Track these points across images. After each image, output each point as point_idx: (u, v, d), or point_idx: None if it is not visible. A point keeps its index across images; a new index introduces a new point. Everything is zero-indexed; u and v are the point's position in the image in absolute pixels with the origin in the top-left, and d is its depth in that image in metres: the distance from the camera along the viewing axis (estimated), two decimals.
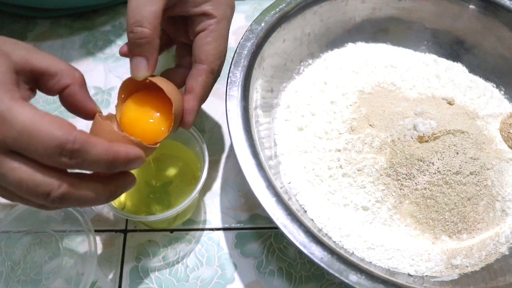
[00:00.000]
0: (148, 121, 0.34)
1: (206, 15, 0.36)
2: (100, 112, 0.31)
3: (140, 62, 0.33)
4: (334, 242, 0.37)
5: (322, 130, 0.42)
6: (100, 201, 0.29)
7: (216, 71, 0.37)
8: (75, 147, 0.25)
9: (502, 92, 0.49)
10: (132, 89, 0.34)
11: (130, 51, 0.33)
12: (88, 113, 0.31)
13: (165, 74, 0.39)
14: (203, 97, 0.36)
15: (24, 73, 0.28)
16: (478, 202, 0.39)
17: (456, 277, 0.37)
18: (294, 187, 0.40)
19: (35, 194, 0.26)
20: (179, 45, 0.41)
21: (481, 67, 0.49)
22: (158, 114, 0.34)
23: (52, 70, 0.29)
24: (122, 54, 0.35)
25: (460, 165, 0.39)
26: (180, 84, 0.37)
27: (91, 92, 0.52)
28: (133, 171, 0.43)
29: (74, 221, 0.38)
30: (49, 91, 0.30)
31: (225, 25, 0.37)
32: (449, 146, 0.40)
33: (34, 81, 0.29)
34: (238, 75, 0.39)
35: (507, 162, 0.42)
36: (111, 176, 0.29)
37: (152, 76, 0.34)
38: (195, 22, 0.36)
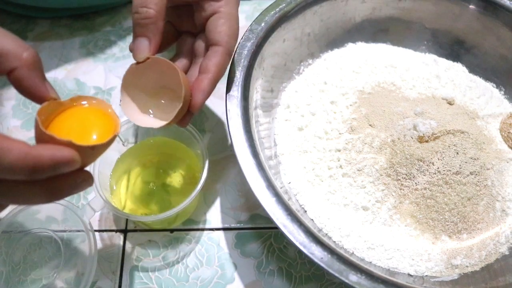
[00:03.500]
0: (83, 120, 0.30)
1: None
2: (57, 98, 0.28)
3: (142, 42, 0.33)
4: (334, 242, 0.37)
5: (322, 130, 0.42)
6: (39, 202, 0.25)
7: (232, 51, 0.36)
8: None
9: (502, 92, 0.49)
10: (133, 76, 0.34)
11: (134, 33, 0.33)
12: (38, 99, 0.27)
13: None
14: (217, 78, 0.35)
15: None
16: (478, 202, 0.39)
17: (456, 277, 0.37)
18: (294, 187, 0.40)
19: None
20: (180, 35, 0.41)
21: (481, 67, 0.49)
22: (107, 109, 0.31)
23: None
24: (131, 50, 0.35)
25: (460, 165, 0.39)
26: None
27: (91, 92, 0.52)
28: (133, 171, 0.43)
29: (74, 221, 0.38)
30: None
31: (235, 6, 0.37)
32: (449, 146, 0.40)
33: None
34: (238, 75, 0.39)
35: (507, 162, 0.42)
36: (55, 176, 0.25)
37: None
38: (203, 7, 0.36)
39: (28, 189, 0.24)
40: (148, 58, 0.33)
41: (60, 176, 0.25)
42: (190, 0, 0.37)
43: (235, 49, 0.37)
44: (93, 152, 0.28)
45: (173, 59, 0.39)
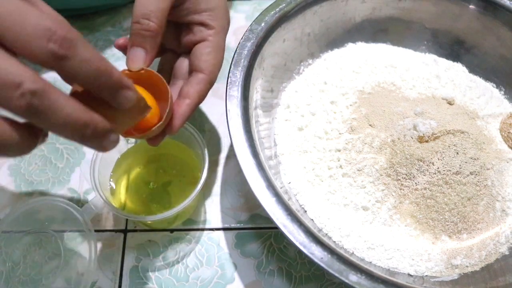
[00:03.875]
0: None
1: (204, 25, 0.36)
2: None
3: (139, 53, 0.33)
4: (334, 242, 0.37)
5: (322, 130, 0.42)
6: (72, 126, 0.23)
7: (214, 81, 0.37)
8: (68, 36, 0.22)
9: (502, 92, 0.49)
10: None
11: (131, 41, 0.33)
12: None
13: None
14: (197, 105, 0.36)
15: None
16: (478, 202, 0.40)
17: (456, 277, 0.37)
18: (294, 187, 0.40)
19: (3, 82, 0.21)
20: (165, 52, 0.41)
21: (481, 67, 0.49)
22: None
23: None
24: (118, 46, 0.35)
25: (460, 165, 0.39)
26: None
27: None
28: (133, 171, 0.43)
29: (74, 221, 0.38)
30: None
31: (223, 37, 0.37)
32: (449, 146, 0.40)
33: None
34: (238, 75, 0.39)
35: (507, 162, 0.42)
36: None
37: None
38: (192, 30, 0.37)
39: (72, 106, 0.23)
40: (142, 69, 0.33)
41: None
42: (180, 21, 0.37)
43: (217, 76, 0.37)
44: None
45: None
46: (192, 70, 0.36)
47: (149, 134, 0.33)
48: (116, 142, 0.26)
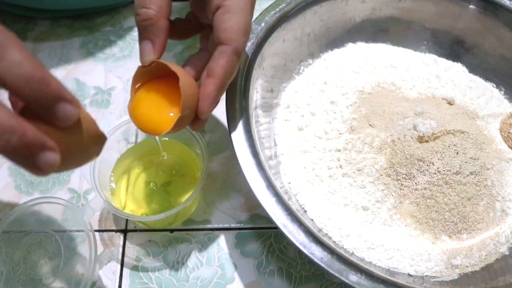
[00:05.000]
0: (154, 110, 0.32)
1: None
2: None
3: (146, 45, 0.31)
4: (334, 242, 0.37)
5: (322, 130, 0.42)
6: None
7: (241, 51, 0.32)
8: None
9: (502, 92, 0.49)
10: (143, 79, 0.33)
11: (139, 37, 0.32)
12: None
13: (187, 61, 0.36)
14: (224, 82, 0.32)
15: None
16: (478, 202, 0.40)
17: (456, 277, 0.37)
18: (294, 187, 0.40)
19: None
20: (204, 27, 0.38)
21: (481, 67, 0.49)
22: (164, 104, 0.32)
23: None
24: None
25: (460, 165, 0.39)
26: (202, 70, 0.33)
27: (91, 92, 0.52)
28: (133, 171, 0.43)
29: (74, 221, 0.38)
30: None
31: None
32: (449, 146, 0.40)
33: None
34: (238, 75, 0.39)
35: (507, 162, 0.42)
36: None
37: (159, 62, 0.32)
38: (208, 2, 0.33)
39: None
40: (153, 62, 0.32)
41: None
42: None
43: (246, 45, 0.33)
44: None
45: (195, 56, 0.37)
46: (215, 44, 0.32)
47: (175, 130, 0.31)
48: (55, 164, 0.22)
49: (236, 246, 0.42)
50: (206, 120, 0.33)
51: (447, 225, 0.39)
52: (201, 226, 0.43)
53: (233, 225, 0.44)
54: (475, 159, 0.40)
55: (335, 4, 0.47)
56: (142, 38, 0.32)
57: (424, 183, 0.39)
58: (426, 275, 0.37)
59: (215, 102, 0.32)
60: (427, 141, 0.40)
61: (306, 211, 0.39)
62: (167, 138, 0.44)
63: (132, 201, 0.42)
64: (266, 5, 0.44)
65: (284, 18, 0.44)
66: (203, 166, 0.39)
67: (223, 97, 0.38)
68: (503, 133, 0.44)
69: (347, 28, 0.50)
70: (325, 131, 0.42)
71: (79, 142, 0.25)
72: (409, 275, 0.37)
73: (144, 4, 0.31)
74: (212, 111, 0.32)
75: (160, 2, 0.31)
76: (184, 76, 0.31)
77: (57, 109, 0.22)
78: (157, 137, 0.40)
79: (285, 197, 0.35)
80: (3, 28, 0.21)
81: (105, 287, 0.40)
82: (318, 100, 0.45)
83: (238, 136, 0.36)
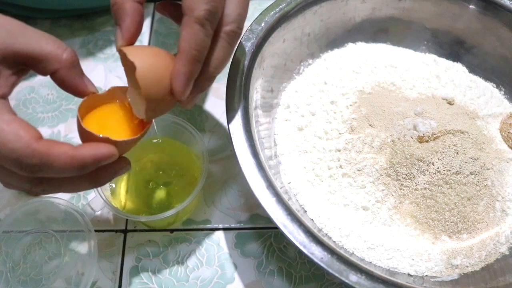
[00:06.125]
0: (119, 114, 0.31)
1: None
2: (95, 91, 0.30)
3: (116, 32, 0.30)
4: (334, 242, 0.37)
5: (322, 130, 0.42)
6: (85, 189, 0.29)
7: (203, 19, 0.28)
8: (33, 162, 0.25)
9: (502, 92, 0.49)
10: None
11: None
12: (79, 94, 0.30)
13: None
14: (191, 55, 0.28)
15: (5, 59, 0.26)
16: (478, 202, 0.40)
17: (456, 277, 0.37)
18: (294, 187, 0.40)
19: (19, 189, 0.28)
20: None
21: (481, 67, 0.49)
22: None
23: (36, 55, 0.27)
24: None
25: (460, 165, 0.39)
26: None
27: None
28: (133, 171, 0.43)
29: (74, 221, 0.38)
30: (39, 73, 0.29)
31: None
32: (449, 146, 0.40)
33: (21, 63, 0.27)
34: (238, 75, 0.39)
35: (507, 162, 0.42)
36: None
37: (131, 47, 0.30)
38: None
39: (76, 181, 0.28)
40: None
41: (102, 167, 0.28)
42: None
43: (215, 15, 0.29)
44: (130, 144, 0.30)
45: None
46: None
47: (148, 116, 0.30)
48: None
49: (236, 246, 0.42)
50: (195, 97, 0.31)
51: (447, 225, 0.39)
52: (201, 226, 0.43)
53: (233, 225, 0.44)
54: (475, 159, 0.40)
55: (335, 4, 0.47)
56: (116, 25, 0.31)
57: (424, 183, 0.39)
58: (426, 275, 0.37)
59: (188, 79, 0.29)
60: (427, 141, 0.40)
61: (306, 211, 0.39)
62: (166, 138, 0.44)
63: (132, 201, 0.42)
64: (266, 5, 0.44)
65: (284, 18, 0.44)
66: (203, 166, 0.39)
67: (223, 97, 0.38)
68: (503, 133, 0.44)
69: (347, 28, 0.50)
70: (325, 131, 0.42)
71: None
72: (409, 275, 0.37)
73: None
74: (188, 89, 0.29)
75: None
76: (144, 63, 0.28)
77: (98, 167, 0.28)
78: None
79: (285, 197, 0.35)
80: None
81: (105, 287, 0.40)
82: (318, 100, 0.45)
83: (238, 136, 0.36)
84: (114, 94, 0.32)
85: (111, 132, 0.29)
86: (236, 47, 0.35)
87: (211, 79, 0.31)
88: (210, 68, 0.30)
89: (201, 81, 0.30)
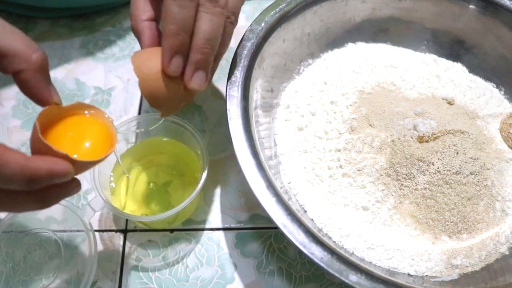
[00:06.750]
0: (81, 131, 0.29)
1: None
2: (59, 102, 0.28)
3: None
4: (334, 242, 0.37)
5: (322, 130, 0.42)
6: (32, 209, 0.26)
7: None
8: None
9: (502, 92, 0.49)
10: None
11: None
12: (41, 102, 0.27)
13: None
14: (169, 30, 0.29)
15: None
16: (478, 202, 0.40)
17: (456, 277, 0.37)
18: (294, 187, 0.40)
19: None
20: None
21: (481, 67, 0.49)
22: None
23: (3, 50, 0.25)
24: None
25: (460, 165, 0.39)
26: None
27: (91, 92, 0.52)
28: (133, 171, 0.43)
29: (74, 221, 0.38)
30: (2, 71, 0.26)
31: None
32: (449, 146, 0.40)
33: None
34: (238, 75, 0.39)
35: (507, 162, 0.42)
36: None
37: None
38: None
39: (23, 197, 0.25)
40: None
41: (54, 185, 0.26)
42: None
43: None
44: (87, 166, 0.28)
45: None
46: None
47: (170, 112, 0.31)
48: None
49: (236, 246, 0.42)
50: (196, 75, 0.31)
51: (447, 225, 0.39)
52: (201, 226, 0.43)
53: (233, 225, 0.44)
54: (475, 159, 0.40)
55: (335, 4, 0.47)
56: None
57: (424, 183, 0.39)
58: (426, 275, 0.37)
59: (170, 53, 0.30)
60: (427, 141, 0.40)
61: (306, 211, 0.39)
62: (133, 143, 0.44)
63: (132, 201, 0.42)
64: (266, 5, 0.44)
65: (284, 18, 0.44)
66: (203, 166, 0.39)
67: (223, 97, 0.38)
68: (503, 133, 0.44)
69: (347, 28, 0.50)
70: (325, 131, 0.42)
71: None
72: (409, 275, 0.37)
73: (130, 16, 0.33)
74: (175, 62, 0.30)
75: (142, 6, 0.32)
76: (140, 61, 0.30)
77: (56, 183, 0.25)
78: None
79: (285, 197, 0.35)
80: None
81: (105, 287, 0.40)
82: (318, 100, 0.45)
83: (238, 136, 0.36)
84: (79, 109, 0.30)
85: (70, 149, 0.26)
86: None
87: (203, 52, 0.31)
88: (197, 40, 0.31)
89: (192, 54, 0.31)
